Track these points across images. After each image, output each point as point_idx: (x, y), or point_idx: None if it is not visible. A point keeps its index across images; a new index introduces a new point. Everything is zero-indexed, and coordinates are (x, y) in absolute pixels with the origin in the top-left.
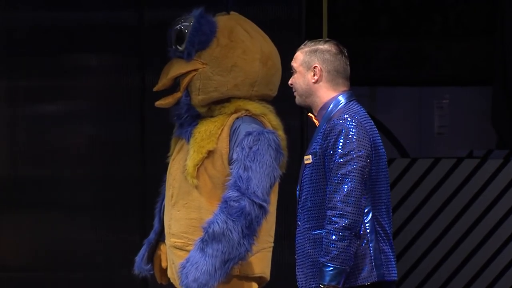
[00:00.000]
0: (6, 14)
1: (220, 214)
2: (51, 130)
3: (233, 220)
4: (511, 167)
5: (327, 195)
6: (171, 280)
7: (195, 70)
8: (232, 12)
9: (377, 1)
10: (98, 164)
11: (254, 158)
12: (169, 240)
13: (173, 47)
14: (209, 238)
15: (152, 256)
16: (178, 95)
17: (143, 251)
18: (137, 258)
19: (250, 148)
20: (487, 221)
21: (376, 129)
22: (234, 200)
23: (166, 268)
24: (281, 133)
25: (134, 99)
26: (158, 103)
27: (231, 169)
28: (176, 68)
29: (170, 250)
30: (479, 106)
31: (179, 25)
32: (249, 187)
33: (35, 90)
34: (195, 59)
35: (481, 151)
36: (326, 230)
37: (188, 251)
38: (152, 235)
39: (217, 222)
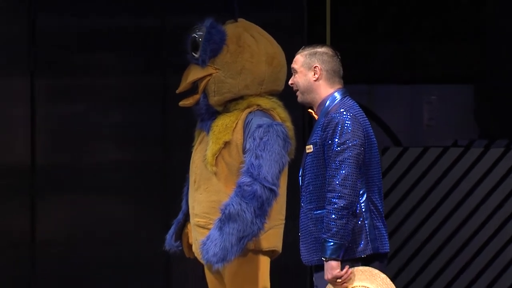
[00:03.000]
0: (41, 18)
1: (235, 197)
2: (85, 123)
3: (246, 202)
4: (491, 155)
5: (327, 180)
6: (196, 255)
7: (209, 75)
8: (239, 19)
9: (375, 8)
10: (126, 152)
11: (264, 148)
12: (193, 219)
13: (190, 54)
14: (226, 218)
15: (181, 234)
16: (197, 96)
17: (172, 230)
18: (168, 236)
19: (261, 138)
20: (470, 202)
21: (368, 121)
22: (247, 185)
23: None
24: (288, 124)
25: (157, 96)
26: (181, 103)
27: (245, 157)
28: (193, 74)
29: (194, 228)
30: (463, 101)
31: (194, 34)
32: (260, 173)
33: (70, 87)
34: (209, 65)
35: (465, 141)
36: (327, 210)
37: (209, 229)
38: (180, 216)
39: (232, 204)
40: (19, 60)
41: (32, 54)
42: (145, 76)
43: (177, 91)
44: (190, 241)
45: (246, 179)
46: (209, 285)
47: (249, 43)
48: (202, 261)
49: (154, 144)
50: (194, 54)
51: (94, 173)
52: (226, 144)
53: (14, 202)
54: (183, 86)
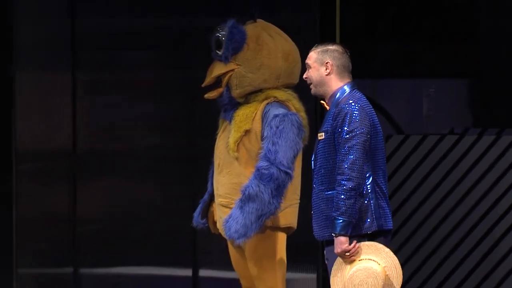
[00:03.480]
0: (81, 19)
1: (253, 179)
2: (120, 112)
3: (264, 184)
4: (483, 142)
5: (337, 164)
6: (220, 231)
7: (232, 70)
8: (258, 20)
9: (378, 10)
10: (157, 139)
11: (280, 135)
12: (217, 199)
13: (214, 51)
14: (246, 198)
15: (207, 212)
16: (221, 90)
17: (199, 209)
18: (195, 214)
19: (277, 127)
20: (465, 184)
21: (374, 111)
22: (264, 169)
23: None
24: (303, 114)
25: (185, 89)
26: (207, 96)
27: (263, 144)
28: (217, 69)
29: (218, 207)
30: (458, 94)
31: (217, 34)
32: (277, 158)
33: (107, 81)
34: (231, 61)
35: (460, 129)
36: (336, 191)
37: (231, 208)
38: (206, 196)
39: (251, 186)
40: (62, 57)
41: (73, 52)
42: (174, 71)
43: (203, 85)
44: (215, 218)
45: (264, 163)
46: (232, 258)
47: (267, 41)
48: (225, 236)
49: (182, 132)
50: (218, 52)
51: (127, 157)
52: (247, 132)
53: (57, 183)
54: (208, 80)
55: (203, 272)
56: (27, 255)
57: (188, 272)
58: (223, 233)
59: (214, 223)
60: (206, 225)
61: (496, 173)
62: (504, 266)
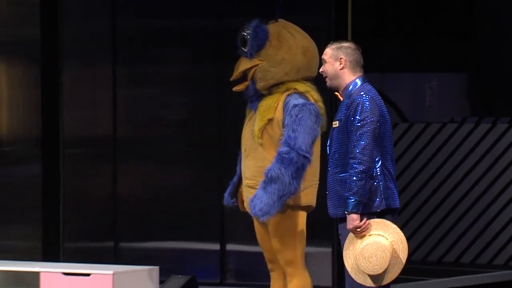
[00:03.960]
0: (121, 18)
1: (275, 163)
2: (156, 103)
3: (285, 167)
4: (480, 129)
5: (350, 149)
6: (246, 209)
7: (256, 65)
8: (280, 20)
9: (386, 12)
10: (189, 127)
11: (299, 123)
12: (244, 181)
13: (240, 49)
14: (268, 180)
15: (236, 193)
16: (247, 83)
17: (229, 190)
18: (225, 195)
19: (297, 115)
20: (464, 166)
21: (383, 102)
22: (285, 153)
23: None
24: (320, 104)
25: (214, 82)
26: (235, 89)
27: (283, 131)
28: (243, 65)
29: (245, 188)
30: (458, 86)
31: (243, 33)
32: (296, 143)
33: (143, 74)
34: (255, 57)
35: (459, 118)
36: (349, 173)
37: (253, 188)
38: (235, 178)
39: (273, 169)
40: (104, 53)
41: (114, 48)
42: (204, 66)
43: (231, 79)
44: (243, 198)
45: (284, 149)
46: (257, 233)
47: (287, 39)
48: (251, 214)
49: (211, 121)
50: (243, 49)
51: (162, 143)
52: (270, 120)
53: (100, 166)
54: (235, 74)
55: (230, 246)
56: (72, 231)
57: (216, 246)
58: (249, 211)
59: (242, 202)
60: (236, 204)
61: (492, 157)
62: (497, 241)
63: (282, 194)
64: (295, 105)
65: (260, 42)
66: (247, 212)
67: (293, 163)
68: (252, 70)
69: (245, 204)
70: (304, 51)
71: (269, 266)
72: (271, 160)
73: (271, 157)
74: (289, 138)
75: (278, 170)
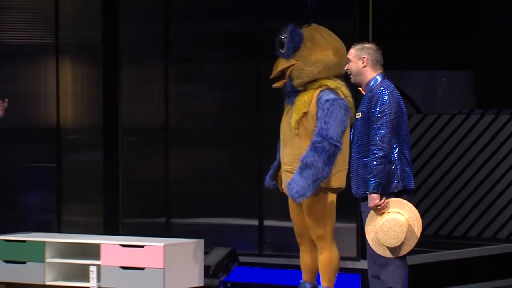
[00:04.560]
0: (172, 22)
1: (310, 151)
2: (202, 97)
3: (318, 155)
4: (485, 120)
5: (371, 137)
6: (284, 191)
7: (292, 65)
8: (312, 24)
9: (402, 16)
10: (231, 119)
11: (331, 116)
12: (283, 166)
13: (278, 50)
14: (304, 166)
15: (276, 176)
16: (285, 80)
17: (270, 173)
18: (267, 177)
19: (328, 109)
20: (471, 153)
21: (400, 95)
22: (318, 143)
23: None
24: (349, 99)
25: (253, 78)
26: (274, 85)
27: (317, 123)
28: (281, 64)
29: (283, 173)
30: (465, 82)
31: (281, 36)
32: (328, 134)
33: (191, 72)
34: (292, 58)
35: (466, 110)
36: (370, 158)
37: (290, 172)
38: (275, 163)
39: (308, 156)
40: (157, 53)
41: (166, 49)
42: (245, 64)
43: (270, 77)
44: (282, 181)
45: (318, 138)
46: (290, 211)
47: (320, 41)
48: (288, 195)
49: (250, 113)
50: (281, 50)
51: (208, 132)
52: (305, 114)
53: (154, 151)
54: (275, 73)
55: (267, 222)
56: (129, 208)
57: (255, 222)
58: (286, 193)
59: (281, 184)
60: (276, 185)
61: (495, 145)
62: (500, 218)
63: (315, 179)
64: (327, 100)
65: (296, 44)
66: (284, 193)
67: (325, 151)
68: (290, 69)
69: (283, 186)
70: (335, 51)
71: (299, 240)
72: (306, 148)
73: (306, 146)
74: (321, 129)
75: (312, 158)
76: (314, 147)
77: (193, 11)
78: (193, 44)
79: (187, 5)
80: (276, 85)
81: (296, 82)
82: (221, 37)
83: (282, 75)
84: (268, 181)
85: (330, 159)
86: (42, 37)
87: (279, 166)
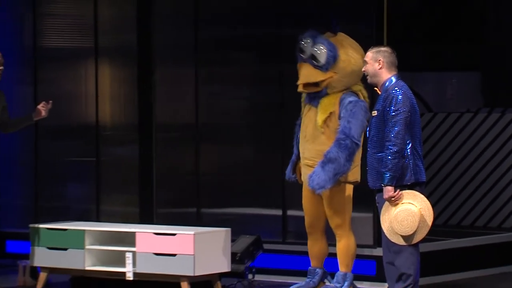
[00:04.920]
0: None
1: (334, 147)
2: (229, 97)
3: (341, 151)
4: (491, 118)
5: (386, 133)
6: (304, 183)
7: (331, 77)
8: (338, 33)
9: (414, 22)
10: (255, 116)
11: (353, 116)
12: (303, 161)
13: (310, 60)
14: (327, 160)
15: (295, 169)
16: (318, 89)
17: (290, 167)
18: (287, 172)
19: (351, 110)
20: (478, 148)
21: (413, 95)
22: (342, 140)
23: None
24: (367, 100)
25: (276, 80)
26: (302, 91)
27: (340, 122)
28: (318, 76)
29: (304, 167)
30: (473, 83)
31: (302, 42)
32: (350, 132)
33: (219, 73)
34: (330, 70)
35: (474, 108)
36: (385, 153)
37: (312, 167)
38: (293, 157)
39: (332, 151)
40: (187, 56)
41: (195, 52)
42: (268, 66)
43: (300, 83)
44: (302, 174)
45: (342, 136)
46: (304, 201)
47: (352, 53)
48: (308, 187)
49: (273, 111)
50: (314, 62)
51: (234, 128)
52: (331, 113)
53: (185, 147)
54: (308, 81)
55: (290, 212)
56: (163, 199)
57: (278, 212)
58: (306, 185)
59: (300, 176)
60: (296, 178)
61: (501, 141)
62: (505, 209)
63: (336, 173)
64: (350, 102)
65: (333, 59)
66: (302, 185)
67: (347, 148)
68: (327, 81)
69: (303, 178)
70: (362, 60)
71: (309, 230)
72: (328, 144)
73: (329, 142)
74: (345, 127)
75: (336, 153)
76: (338, 144)
77: (221, 18)
78: (220, 48)
79: (215, 13)
80: (305, 90)
81: (332, 91)
82: (246, 41)
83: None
84: (288, 175)
85: (350, 156)
86: (83, 41)
87: (297, 160)
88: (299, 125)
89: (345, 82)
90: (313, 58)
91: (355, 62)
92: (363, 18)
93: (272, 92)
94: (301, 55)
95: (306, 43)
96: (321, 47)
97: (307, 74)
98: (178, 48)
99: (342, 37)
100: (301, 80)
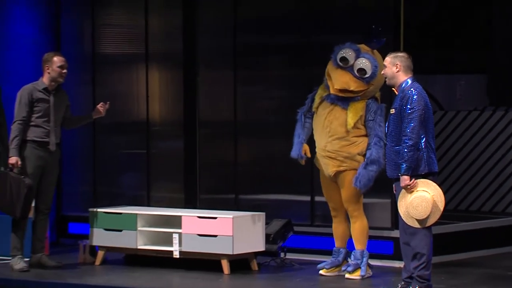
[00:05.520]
0: (240, 35)
1: (374, 149)
2: (263, 96)
3: (380, 152)
4: (496, 116)
5: (402, 129)
6: (322, 173)
7: (368, 87)
8: (374, 51)
9: (427, 30)
10: (286, 112)
11: (382, 120)
12: (324, 152)
13: (354, 72)
14: (370, 162)
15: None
16: (352, 95)
17: (298, 148)
18: (297, 151)
19: (379, 115)
20: (484, 142)
21: (427, 95)
22: (379, 142)
23: (305, 155)
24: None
25: (306, 81)
26: (335, 93)
27: (370, 124)
28: (360, 86)
29: (324, 158)
30: (480, 84)
31: (361, 61)
32: (382, 135)
33: (254, 75)
34: (370, 83)
35: (481, 107)
36: (402, 147)
37: (336, 159)
38: (300, 140)
39: (373, 154)
40: (227, 60)
41: (234, 57)
42: (299, 69)
43: (339, 88)
44: (308, 155)
45: (377, 139)
46: (325, 189)
47: (382, 67)
48: (326, 174)
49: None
50: (360, 74)
51: (268, 124)
52: (360, 116)
53: (224, 140)
54: (345, 88)
55: (317, 198)
56: (205, 186)
57: (307, 198)
58: (325, 173)
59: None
60: (304, 158)
61: (505, 136)
62: (509, 195)
63: (377, 171)
64: (377, 107)
65: (375, 74)
66: (317, 167)
67: (382, 148)
68: (365, 91)
69: (323, 168)
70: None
71: (334, 213)
72: (353, 141)
73: (354, 139)
74: (379, 131)
75: (377, 154)
76: (377, 147)
77: (256, 27)
78: (256, 53)
79: (251, 22)
80: (339, 94)
81: (364, 97)
82: (279, 47)
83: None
84: (299, 154)
85: (384, 156)
86: (135, 48)
87: (303, 143)
88: (302, 114)
89: (374, 91)
90: (358, 71)
91: (382, 75)
92: (382, 28)
93: (302, 92)
94: (341, 63)
95: (348, 53)
96: (366, 62)
97: (346, 81)
98: (219, 53)
99: (376, 53)
100: (340, 86)
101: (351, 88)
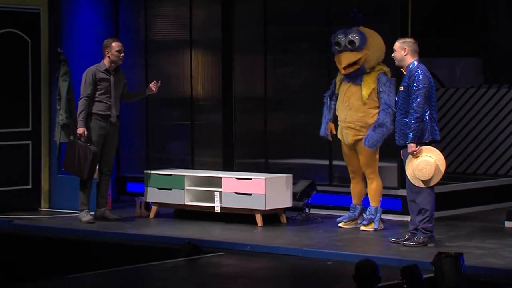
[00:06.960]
0: (269, 25)
1: (381, 115)
2: (292, 77)
3: (388, 117)
4: (490, 92)
5: (410, 103)
6: (343, 141)
7: (365, 54)
8: (361, 26)
9: (432, 21)
10: (309, 90)
11: (390, 91)
12: (345, 124)
13: (347, 46)
14: (377, 125)
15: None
16: (357, 66)
17: (324, 127)
18: (323, 130)
19: (389, 86)
20: (480, 114)
21: (431, 74)
22: (386, 109)
23: (331, 132)
24: (389, 73)
25: (325, 65)
26: (344, 72)
27: (380, 95)
28: (355, 56)
29: (345, 128)
30: (476, 65)
31: (350, 38)
32: (391, 103)
33: (285, 60)
34: (364, 49)
35: (477, 85)
36: (409, 118)
37: (355, 129)
38: (326, 120)
39: (380, 118)
40: (259, 47)
41: (265, 43)
42: (320, 54)
43: (344, 65)
44: (333, 132)
45: (385, 106)
46: (345, 155)
47: (374, 37)
48: (346, 143)
49: (324, 88)
50: (349, 46)
51: (294, 100)
52: (373, 89)
53: (257, 114)
54: (348, 62)
55: (335, 162)
56: (240, 153)
57: (326, 162)
58: (345, 142)
59: (333, 134)
60: (329, 135)
61: (497, 109)
62: (501, 160)
63: (384, 133)
64: (387, 80)
65: (364, 41)
66: (340, 139)
67: (390, 114)
68: (362, 58)
69: (344, 137)
70: (381, 41)
71: (351, 175)
72: (369, 112)
73: (369, 110)
74: (387, 100)
75: (383, 119)
76: (384, 112)
77: (284, 17)
78: (283, 40)
79: (280, 13)
80: (347, 71)
81: (366, 67)
82: (303, 35)
83: (352, 63)
84: (325, 132)
85: (391, 121)
86: (181, 35)
87: (329, 123)
88: (328, 97)
89: (375, 57)
90: (349, 44)
91: (379, 45)
92: (391, 18)
93: (323, 74)
94: (337, 47)
95: (340, 37)
96: (354, 34)
97: (347, 57)
98: (252, 40)
99: (364, 28)
100: (344, 64)
101: (352, 60)
